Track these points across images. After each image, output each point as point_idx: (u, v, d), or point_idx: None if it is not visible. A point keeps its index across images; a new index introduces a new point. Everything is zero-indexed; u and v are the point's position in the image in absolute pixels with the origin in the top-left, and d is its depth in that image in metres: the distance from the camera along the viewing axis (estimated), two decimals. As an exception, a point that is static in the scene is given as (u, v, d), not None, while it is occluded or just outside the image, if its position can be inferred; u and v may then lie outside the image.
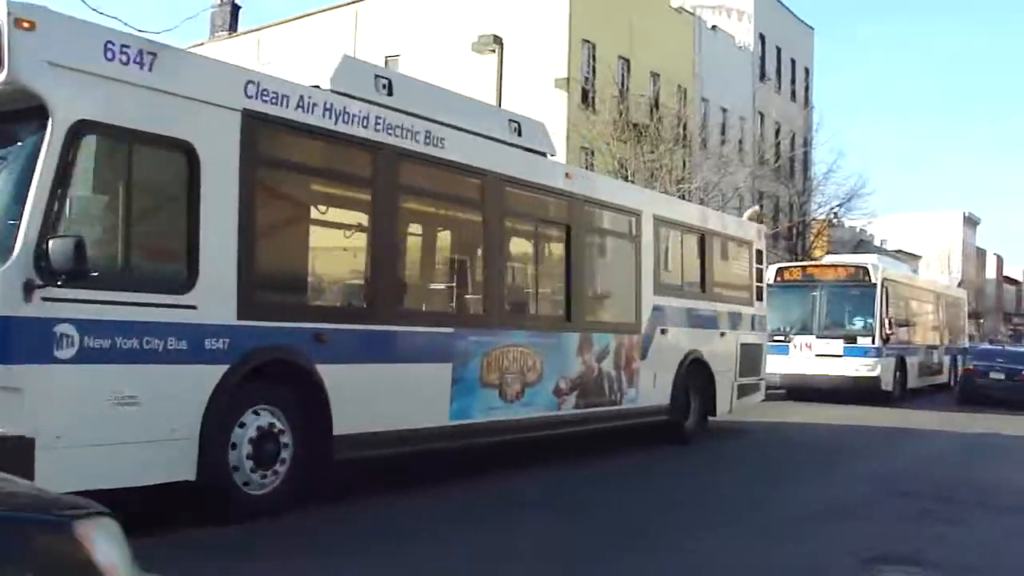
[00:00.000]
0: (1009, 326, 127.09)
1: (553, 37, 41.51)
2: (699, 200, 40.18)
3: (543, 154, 14.40)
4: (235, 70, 9.87)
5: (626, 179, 38.84)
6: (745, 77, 54.84)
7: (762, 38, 56.70)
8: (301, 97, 10.11)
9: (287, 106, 9.93)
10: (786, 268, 31.66)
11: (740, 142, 51.89)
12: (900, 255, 58.19)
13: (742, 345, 19.04)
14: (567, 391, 13.93)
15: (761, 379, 20.40)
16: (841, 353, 28.52)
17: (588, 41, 42.90)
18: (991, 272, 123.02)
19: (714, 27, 52.48)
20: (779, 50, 58.94)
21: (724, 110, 51.91)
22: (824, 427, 22.59)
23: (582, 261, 14.54)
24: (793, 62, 60.78)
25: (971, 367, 33.55)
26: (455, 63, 40.08)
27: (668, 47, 46.80)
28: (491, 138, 13.07)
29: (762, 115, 55.99)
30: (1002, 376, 32.04)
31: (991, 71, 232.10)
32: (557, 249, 14.60)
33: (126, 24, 15.44)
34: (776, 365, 27.46)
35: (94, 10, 11.92)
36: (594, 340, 14.55)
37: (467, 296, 12.88)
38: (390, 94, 11.50)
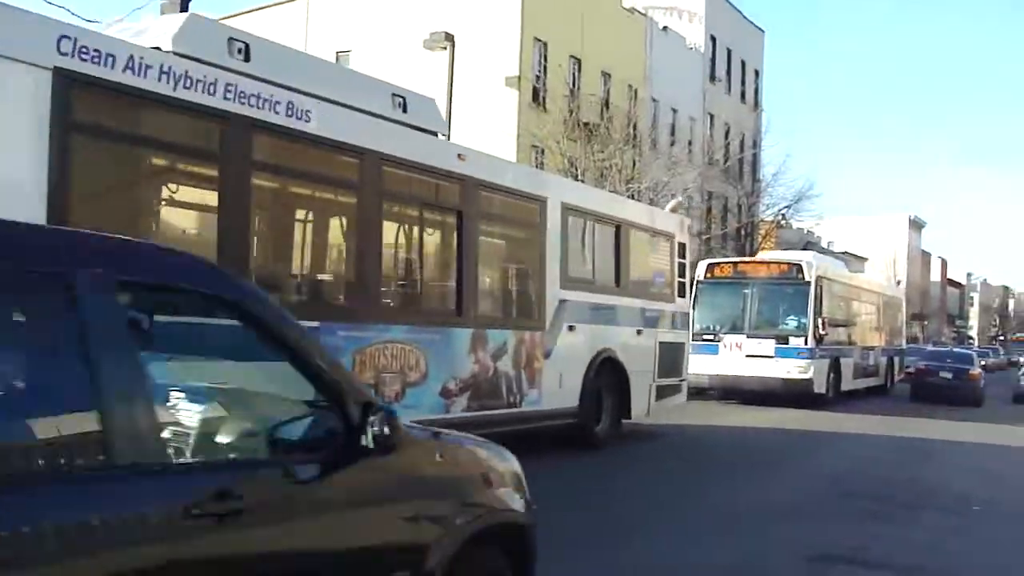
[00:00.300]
0: (952, 328, 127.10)
1: (505, 35, 40.47)
2: (648, 200, 39.06)
3: (434, 133, 12.84)
4: (46, 22, 8.19)
5: (576, 178, 37.71)
6: (695, 78, 53.75)
7: (713, 39, 55.54)
8: (131, 58, 8.50)
9: (112, 67, 8.33)
10: (717, 264, 29.89)
11: (690, 143, 50.71)
12: (847, 257, 57.20)
13: (661, 344, 17.46)
14: (457, 392, 12.36)
15: (683, 380, 18.79)
16: (772, 354, 26.70)
17: (540, 40, 41.80)
18: (936, 275, 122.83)
19: (665, 28, 51.26)
20: (729, 52, 57.81)
21: (674, 110, 50.79)
22: (753, 430, 21.34)
23: (476, 250, 12.92)
24: (743, 64, 59.66)
25: (923, 367, 35.59)
26: (406, 60, 38.92)
27: (619, 47, 45.65)
28: (370, 113, 11.46)
29: (712, 116, 54.94)
30: (950, 375, 34.30)
31: (938, 77, 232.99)
32: (447, 237, 12.96)
33: (72, 13, 14.14)
34: (705, 365, 26.19)
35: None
36: (489, 337, 12.98)
37: (336, 287, 11.34)
38: (247, 59, 9.95)
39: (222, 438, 4.07)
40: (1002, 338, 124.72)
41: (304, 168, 10.85)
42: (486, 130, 34.56)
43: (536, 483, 5.75)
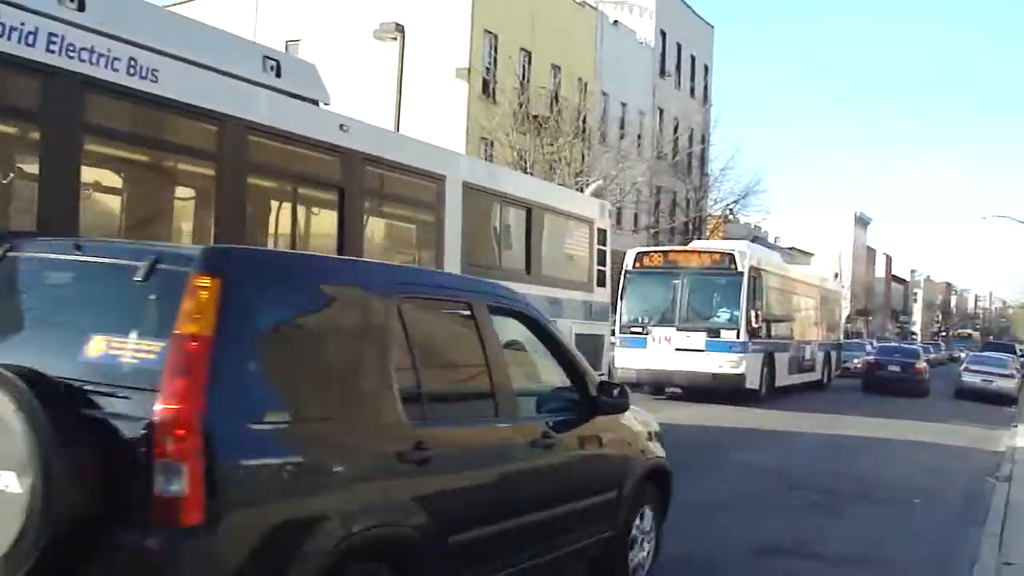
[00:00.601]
0: (896, 324, 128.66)
1: (455, 27, 40.17)
2: (595, 193, 39.12)
3: (314, 102, 11.48)
4: None
5: (525, 171, 37.62)
6: (645, 72, 53.42)
7: (663, 34, 55.27)
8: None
9: None
10: (646, 253, 28.40)
11: (639, 137, 50.36)
12: (793, 252, 57.60)
13: (577, 336, 15.60)
14: None
15: (601, 375, 16.80)
16: (703, 347, 25.40)
17: (490, 32, 41.54)
18: (880, 271, 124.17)
19: (616, 22, 50.90)
20: (679, 47, 57.56)
21: (624, 104, 50.50)
22: (687, 428, 19.47)
23: (360, 232, 11.51)
24: (693, 59, 59.49)
25: (873, 361, 39.16)
26: (357, 50, 38.64)
27: (570, 41, 45.31)
28: (236, 76, 10.04)
29: (661, 110, 54.68)
30: (899, 369, 37.84)
31: (886, 76, 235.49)
32: (326, 216, 11.50)
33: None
34: (633, 359, 25.44)
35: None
36: None
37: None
38: (81, 9, 8.57)
39: (538, 401, 6.84)
40: (944, 334, 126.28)
41: (150, 135, 9.39)
42: (436, 122, 34.38)
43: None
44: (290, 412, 4.70)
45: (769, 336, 27.88)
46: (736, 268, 26.06)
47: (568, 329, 14.98)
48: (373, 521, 4.84)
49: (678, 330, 25.84)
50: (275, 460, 4.49)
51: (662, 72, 55.34)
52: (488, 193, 14.26)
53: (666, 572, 8.17)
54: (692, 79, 59.55)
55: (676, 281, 26.29)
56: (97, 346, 4.52)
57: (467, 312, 6.20)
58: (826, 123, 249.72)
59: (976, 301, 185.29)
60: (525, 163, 37.81)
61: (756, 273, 26.84)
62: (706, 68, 61.51)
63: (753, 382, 26.24)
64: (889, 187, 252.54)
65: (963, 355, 57.12)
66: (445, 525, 5.26)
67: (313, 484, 4.60)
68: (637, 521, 7.50)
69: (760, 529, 10.72)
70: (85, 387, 4.30)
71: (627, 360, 25.47)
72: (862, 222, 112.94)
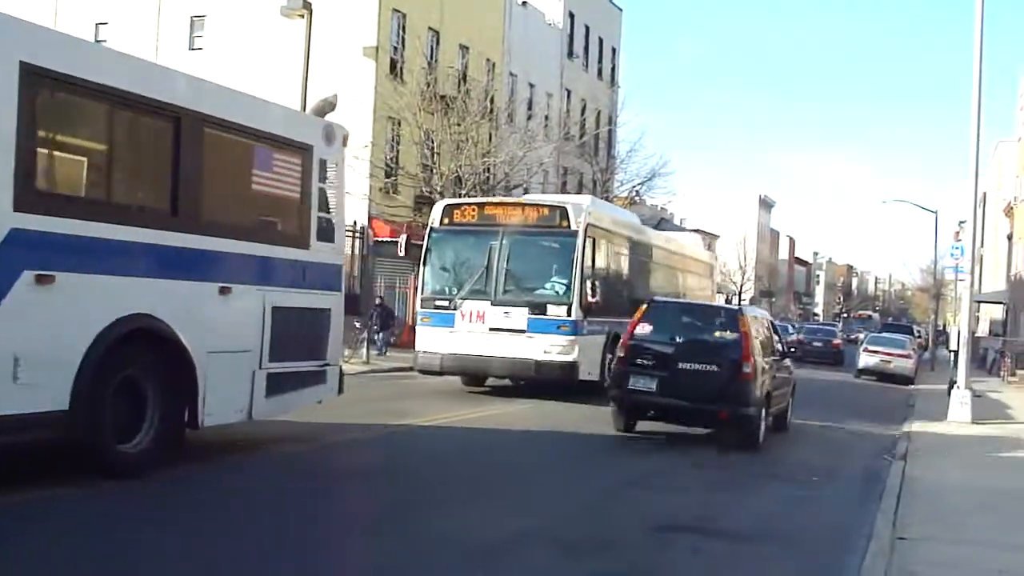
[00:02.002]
0: (799, 305, 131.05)
1: (362, 5, 39.97)
2: (503, 174, 39.43)
3: None
4: None
5: (432, 151, 37.80)
6: (554, 54, 53.65)
7: (571, 16, 55.50)
8: None
9: None
10: (457, 206, 22.72)
11: (547, 118, 50.64)
12: (699, 233, 58.38)
13: (277, 311, 12.02)
14: None
15: (326, 365, 13.13)
16: (524, 328, 20.24)
17: (398, 11, 41.39)
18: (784, 253, 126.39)
19: (524, 3, 50.98)
20: (588, 29, 57.86)
21: (532, 85, 50.69)
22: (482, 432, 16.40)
23: None
24: (601, 41, 59.80)
25: (801, 338, 52.92)
26: (263, 27, 38.36)
27: (478, 21, 45.34)
28: None
29: (569, 92, 54.96)
30: (821, 344, 52.40)
31: (792, 63, 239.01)
32: None
33: None
34: (437, 342, 20.92)
35: None
36: None
37: None
38: None
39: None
40: (846, 315, 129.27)
41: None
42: (343, 100, 34.25)
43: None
44: None
45: (611, 314, 21.75)
46: (569, 226, 20.66)
47: (262, 300, 11.93)
48: None
49: (494, 305, 20.50)
50: None
51: (570, 54, 55.67)
52: (89, 89, 9.84)
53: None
54: (600, 61, 59.95)
55: (494, 242, 20.87)
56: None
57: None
58: (733, 109, 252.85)
59: (876, 283, 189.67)
60: (432, 143, 37.89)
61: (595, 233, 21.70)
62: (614, 51, 61.98)
63: (591, 371, 21.21)
64: (792, 171, 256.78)
65: (862, 335, 58.69)
66: None
67: None
68: None
69: (661, 505, 10.94)
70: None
71: (430, 342, 21.06)
72: (766, 205, 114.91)
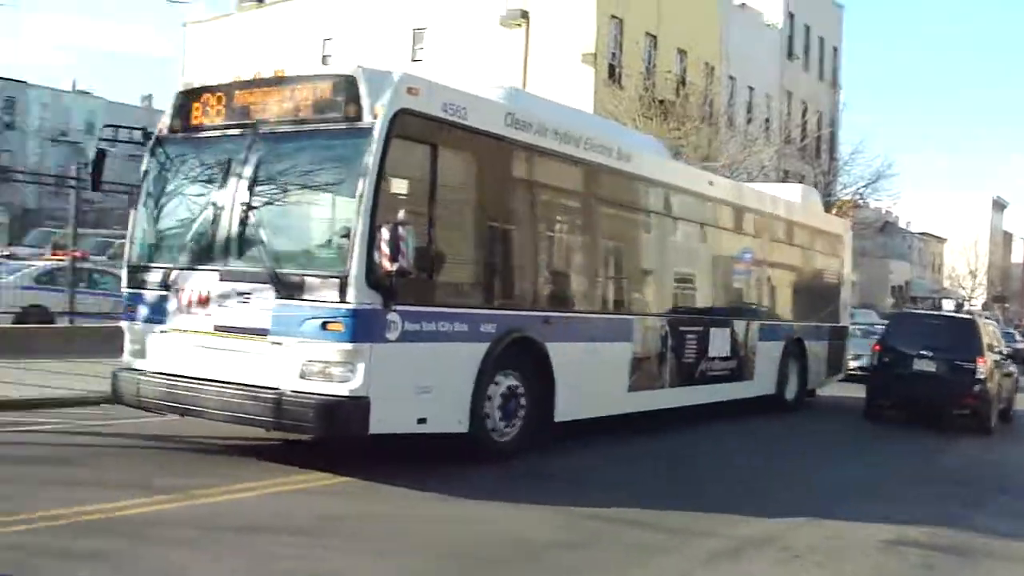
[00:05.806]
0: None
1: (580, 12, 40.57)
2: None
3: None
4: None
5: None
6: (773, 55, 52.99)
7: (791, 16, 54.73)
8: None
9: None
10: (196, 95, 11.15)
11: (767, 120, 50.01)
12: (925, 237, 56.45)
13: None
14: None
15: None
16: (266, 325, 9.79)
17: (615, 17, 41.78)
18: (1017, 257, 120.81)
19: (742, 4, 50.69)
20: (808, 28, 56.90)
21: (751, 88, 50.24)
22: None
23: None
24: (822, 40, 58.65)
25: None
26: (483, 37, 39.31)
27: (695, 24, 45.24)
28: None
29: (789, 94, 54.17)
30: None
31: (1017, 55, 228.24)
32: None
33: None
34: (140, 349, 10.95)
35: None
36: None
37: None
38: None
39: None
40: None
41: None
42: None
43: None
44: None
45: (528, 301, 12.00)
46: (358, 116, 9.83)
47: None
48: None
49: (223, 280, 10.24)
50: None
51: (790, 55, 54.83)
52: None
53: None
54: (821, 61, 58.79)
55: (237, 157, 10.51)
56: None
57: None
58: (962, 104, 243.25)
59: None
60: (653, 149, 37.91)
61: (432, 132, 10.29)
62: (835, 50, 60.64)
63: (431, 416, 10.32)
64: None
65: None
66: None
67: None
68: None
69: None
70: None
71: (134, 350, 11.13)
72: (999, 205, 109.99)
